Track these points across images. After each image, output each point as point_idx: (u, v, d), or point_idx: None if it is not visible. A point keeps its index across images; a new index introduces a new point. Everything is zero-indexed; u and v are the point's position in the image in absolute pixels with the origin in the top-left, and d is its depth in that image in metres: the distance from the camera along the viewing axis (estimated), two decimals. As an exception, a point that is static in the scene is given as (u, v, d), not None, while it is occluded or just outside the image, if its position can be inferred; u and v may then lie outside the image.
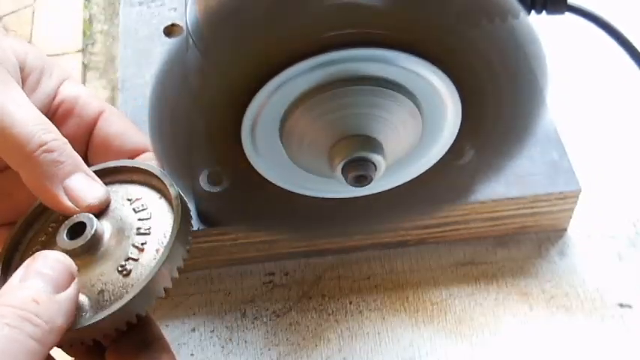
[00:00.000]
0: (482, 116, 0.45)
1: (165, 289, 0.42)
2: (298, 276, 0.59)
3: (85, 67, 0.73)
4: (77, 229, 0.43)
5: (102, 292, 0.42)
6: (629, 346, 0.54)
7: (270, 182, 0.47)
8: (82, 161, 0.45)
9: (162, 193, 0.45)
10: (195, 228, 0.53)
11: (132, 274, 0.42)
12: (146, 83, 0.63)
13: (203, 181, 0.48)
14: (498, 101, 0.44)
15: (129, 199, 0.46)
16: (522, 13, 0.40)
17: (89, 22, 0.77)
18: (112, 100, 0.69)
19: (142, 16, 0.68)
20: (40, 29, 0.77)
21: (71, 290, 0.39)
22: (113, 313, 0.40)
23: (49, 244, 0.45)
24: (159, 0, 0.69)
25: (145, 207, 0.45)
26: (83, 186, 0.44)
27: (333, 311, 0.57)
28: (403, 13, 0.38)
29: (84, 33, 0.76)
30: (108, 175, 0.47)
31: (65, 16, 0.78)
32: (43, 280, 0.39)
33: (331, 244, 0.59)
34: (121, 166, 0.47)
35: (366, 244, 0.60)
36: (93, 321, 0.40)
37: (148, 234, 0.44)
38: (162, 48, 0.65)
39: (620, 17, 0.56)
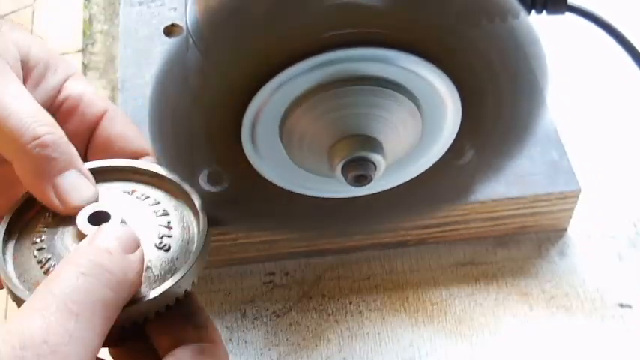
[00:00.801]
0: (482, 116, 0.45)
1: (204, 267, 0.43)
2: (298, 276, 0.59)
3: (85, 67, 0.73)
4: (99, 217, 0.43)
5: (148, 268, 0.42)
6: (629, 346, 0.55)
7: (270, 182, 0.47)
8: (78, 157, 0.44)
9: (172, 193, 0.46)
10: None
11: (172, 249, 0.43)
12: (146, 83, 0.63)
13: (203, 181, 0.48)
14: (498, 101, 0.44)
15: (133, 191, 0.46)
16: (522, 13, 0.40)
17: (89, 22, 0.77)
18: (112, 100, 0.69)
19: (142, 16, 0.68)
20: (40, 29, 0.78)
21: (140, 252, 0.40)
22: (173, 285, 0.41)
23: (59, 227, 0.44)
24: (159, 0, 0.69)
25: (149, 196, 0.46)
26: (73, 186, 0.43)
27: (333, 311, 0.57)
28: (403, 13, 0.38)
29: (84, 33, 0.76)
30: (110, 173, 0.47)
31: (65, 16, 0.78)
32: (114, 239, 0.39)
33: (331, 244, 0.59)
34: (125, 167, 0.47)
35: (366, 244, 0.60)
36: (152, 295, 0.40)
37: (168, 215, 0.45)
38: (162, 48, 0.65)
39: (620, 17, 0.56)
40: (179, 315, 0.42)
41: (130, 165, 0.47)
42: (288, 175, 0.46)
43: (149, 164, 0.47)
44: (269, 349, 0.55)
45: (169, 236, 0.44)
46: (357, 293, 0.58)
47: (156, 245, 0.43)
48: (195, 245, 0.43)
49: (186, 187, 0.46)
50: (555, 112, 0.60)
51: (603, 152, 0.64)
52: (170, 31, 0.67)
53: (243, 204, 0.49)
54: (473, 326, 0.56)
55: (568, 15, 0.53)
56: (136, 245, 0.40)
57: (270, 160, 0.45)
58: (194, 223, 0.45)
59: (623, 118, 0.66)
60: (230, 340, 0.56)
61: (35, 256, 0.42)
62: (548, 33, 0.43)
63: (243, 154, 0.44)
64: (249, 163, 0.45)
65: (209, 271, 0.59)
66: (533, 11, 0.52)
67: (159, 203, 0.46)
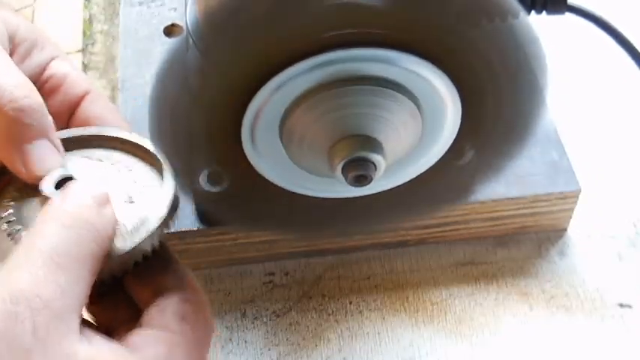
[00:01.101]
0: (482, 116, 0.45)
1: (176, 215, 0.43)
2: (298, 276, 0.59)
3: (85, 67, 0.73)
4: (65, 183, 0.42)
5: (119, 223, 0.41)
6: (629, 346, 0.55)
7: (271, 182, 0.47)
8: (52, 128, 0.43)
9: (139, 155, 0.46)
10: (194, 228, 0.55)
11: (141, 204, 0.43)
12: (146, 83, 0.63)
13: (203, 181, 0.48)
14: (498, 101, 0.44)
15: (99, 160, 0.46)
16: (522, 13, 0.40)
17: (89, 22, 0.77)
18: (113, 100, 0.69)
19: (142, 16, 0.68)
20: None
21: (111, 206, 0.40)
22: (148, 236, 0.41)
23: (26, 198, 0.44)
24: (159, 0, 0.69)
25: (119, 160, 0.46)
26: (40, 154, 0.43)
27: (333, 311, 0.57)
28: (403, 13, 0.38)
29: (84, 33, 0.76)
30: (79, 142, 0.47)
31: (65, 16, 0.78)
32: (87, 194, 0.39)
33: (331, 244, 0.59)
34: (94, 135, 0.47)
35: (366, 244, 0.60)
36: (129, 247, 0.40)
37: (134, 173, 0.45)
38: (162, 48, 0.65)
39: (620, 17, 0.56)
40: (157, 266, 0.42)
41: (99, 133, 0.47)
42: (288, 175, 0.46)
43: (118, 131, 0.47)
44: (269, 349, 0.55)
45: (138, 192, 0.44)
46: (357, 293, 0.58)
47: (125, 201, 0.43)
48: (164, 198, 0.43)
49: (150, 147, 0.45)
50: (555, 112, 0.60)
51: (603, 152, 0.64)
52: (170, 31, 0.67)
53: (243, 204, 0.49)
54: (473, 326, 0.56)
55: (568, 15, 0.53)
56: (107, 199, 0.40)
57: (270, 159, 0.45)
58: (162, 181, 0.44)
59: (623, 118, 0.66)
60: (230, 340, 0.56)
61: (4, 230, 0.42)
62: (548, 33, 0.43)
63: (243, 154, 0.44)
64: (249, 163, 0.45)
65: (209, 271, 0.59)
66: (533, 11, 0.52)
67: (127, 166, 0.46)
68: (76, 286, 0.35)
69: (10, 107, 0.42)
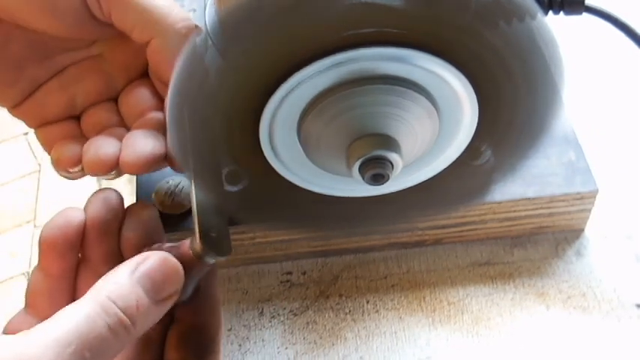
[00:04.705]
0: (499, 116, 0.45)
1: None
2: (316, 275, 0.59)
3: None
4: None
5: None
6: (647, 346, 0.54)
7: (288, 181, 0.47)
8: None
9: None
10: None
11: None
12: (165, 83, 0.63)
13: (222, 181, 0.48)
14: (515, 101, 0.44)
15: None
16: (540, 13, 0.40)
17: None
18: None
19: (162, 17, 0.68)
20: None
21: (170, 303, 0.42)
22: None
23: None
24: (178, 1, 0.69)
25: None
26: None
27: (350, 310, 0.57)
28: (421, 13, 0.38)
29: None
30: None
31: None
32: (150, 284, 0.41)
33: (349, 244, 0.60)
34: None
35: (383, 244, 0.60)
36: None
37: None
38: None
39: (637, 18, 0.56)
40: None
41: None
42: (305, 173, 0.46)
43: None
44: (286, 348, 0.56)
45: None
46: (374, 293, 0.58)
47: None
48: None
49: None
50: (573, 113, 0.60)
51: (621, 153, 0.64)
52: (189, 32, 0.67)
53: (261, 203, 0.49)
54: (489, 326, 0.56)
55: (585, 15, 0.53)
56: (175, 285, 0.42)
57: (288, 158, 0.45)
58: None
59: (641, 119, 0.66)
60: (247, 338, 0.56)
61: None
62: (566, 33, 0.43)
63: (262, 153, 0.45)
64: (267, 162, 0.45)
65: (227, 270, 0.59)
66: (550, 12, 0.52)
67: None
68: None
69: (182, 25, 0.49)
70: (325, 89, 0.41)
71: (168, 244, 0.44)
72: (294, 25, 0.39)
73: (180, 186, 0.56)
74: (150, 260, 0.41)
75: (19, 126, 0.56)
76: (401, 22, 0.39)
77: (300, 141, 0.44)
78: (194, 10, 0.68)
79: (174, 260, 0.42)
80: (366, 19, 0.38)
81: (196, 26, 0.50)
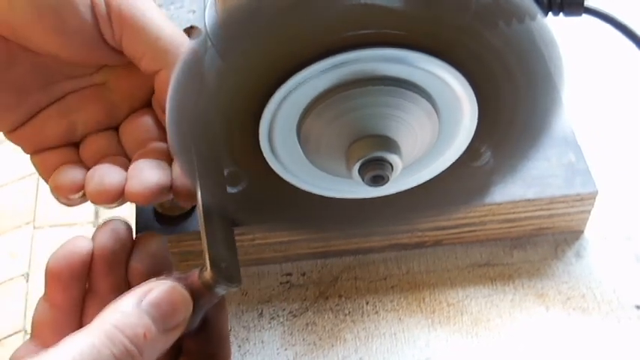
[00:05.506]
0: (498, 117, 0.45)
1: None
2: (315, 276, 0.59)
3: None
4: None
5: None
6: (646, 347, 0.54)
7: (288, 182, 0.47)
8: None
9: None
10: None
11: None
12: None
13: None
14: (515, 102, 0.44)
15: None
16: (539, 14, 0.40)
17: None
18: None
19: (161, 18, 0.69)
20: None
21: (178, 332, 0.41)
22: None
23: None
24: (178, 2, 0.70)
25: None
26: None
27: (349, 312, 0.57)
28: (420, 14, 0.38)
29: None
30: None
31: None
32: (157, 313, 0.40)
33: (348, 245, 0.60)
34: None
35: (382, 245, 0.60)
36: None
37: None
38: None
39: (637, 19, 0.56)
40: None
41: None
42: (305, 175, 0.46)
43: None
44: (285, 349, 0.56)
45: None
46: (373, 294, 0.58)
47: None
48: None
49: None
50: (572, 114, 0.60)
51: (620, 154, 0.64)
52: (189, 33, 0.67)
53: (261, 204, 0.49)
54: (489, 327, 0.56)
55: (585, 17, 0.53)
56: (182, 315, 0.42)
57: (287, 160, 0.45)
58: None
59: (641, 120, 0.66)
60: (247, 339, 0.56)
61: None
62: (565, 34, 0.43)
63: (261, 155, 0.45)
64: (267, 164, 0.45)
65: (226, 272, 0.59)
66: (550, 13, 0.52)
67: None
68: None
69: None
70: (325, 90, 0.41)
71: (176, 274, 0.44)
72: (293, 26, 0.39)
73: None
74: (158, 289, 0.41)
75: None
76: (400, 23, 0.39)
77: (299, 142, 0.44)
78: (194, 12, 0.68)
79: (181, 289, 0.42)
80: (366, 20, 0.38)
81: (193, 27, 0.49)
